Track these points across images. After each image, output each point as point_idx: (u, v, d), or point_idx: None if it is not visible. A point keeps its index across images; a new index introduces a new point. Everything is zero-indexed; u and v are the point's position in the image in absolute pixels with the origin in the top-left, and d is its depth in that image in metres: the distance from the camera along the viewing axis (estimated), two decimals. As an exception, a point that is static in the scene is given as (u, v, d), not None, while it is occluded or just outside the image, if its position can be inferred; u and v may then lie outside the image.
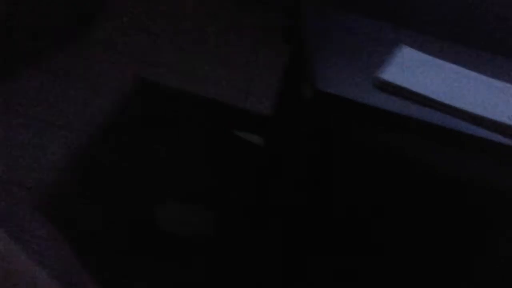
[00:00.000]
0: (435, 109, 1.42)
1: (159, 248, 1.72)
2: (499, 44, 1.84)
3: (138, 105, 2.54)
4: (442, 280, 1.51)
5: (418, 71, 1.53)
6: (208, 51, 3.23)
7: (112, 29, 3.12)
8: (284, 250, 1.53)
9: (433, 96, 1.43)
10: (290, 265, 1.51)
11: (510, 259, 1.48)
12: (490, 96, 1.53)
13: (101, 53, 2.89)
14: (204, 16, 3.58)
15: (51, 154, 2.00)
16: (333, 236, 1.48)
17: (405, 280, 1.52)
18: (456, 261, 1.49)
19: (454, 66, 1.63)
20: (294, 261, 1.51)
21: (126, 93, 2.60)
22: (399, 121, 1.36)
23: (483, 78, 1.62)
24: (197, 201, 1.98)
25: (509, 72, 1.78)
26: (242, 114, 2.78)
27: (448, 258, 1.48)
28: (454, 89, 1.49)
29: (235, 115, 2.74)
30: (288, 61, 1.96)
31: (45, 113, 2.24)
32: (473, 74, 1.62)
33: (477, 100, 1.48)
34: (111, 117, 2.36)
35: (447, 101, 1.42)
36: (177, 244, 1.76)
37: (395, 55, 1.59)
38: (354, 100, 1.35)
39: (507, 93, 1.58)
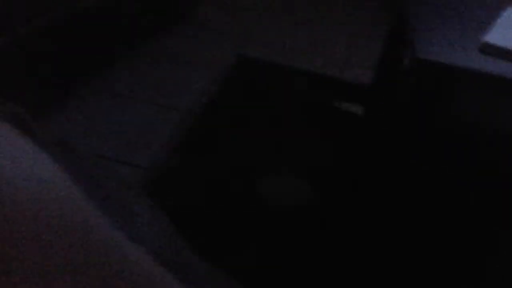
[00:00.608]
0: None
1: (262, 220, 1.77)
2: None
3: (240, 82, 2.59)
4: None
5: (526, 32, 1.47)
6: (305, 24, 3.23)
7: (211, 9, 3.18)
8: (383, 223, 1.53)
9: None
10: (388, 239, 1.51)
11: None
12: None
13: (202, 34, 2.96)
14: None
15: (160, 134, 2.08)
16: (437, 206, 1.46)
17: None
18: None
19: None
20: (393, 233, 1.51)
21: (228, 71, 2.65)
22: (506, 85, 1.32)
23: None
24: (299, 174, 2.01)
25: None
26: (341, 84, 2.77)
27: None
28: None
29: (335, 86, 2.74)
30: (389, 30, 1.93)
31: (152, 95, 2.33)
32: None
33: None
34: (215, 95, 2.43)
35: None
36: (279, 216, 1.80)
37: (500, 17, 1.53)
38: (458, 65, 1.32)
39: None
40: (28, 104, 1.90)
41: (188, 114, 2.23)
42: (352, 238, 1.73)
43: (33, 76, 1.86)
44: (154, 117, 2.17)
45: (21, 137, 0.38)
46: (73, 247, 0.33)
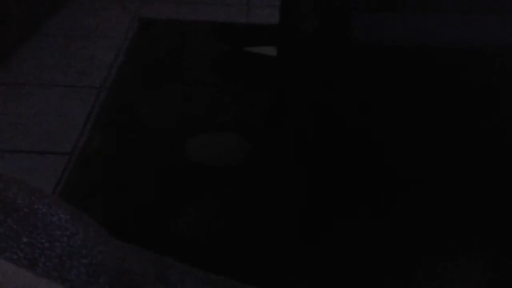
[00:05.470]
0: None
1: (191, 180, 1.74)
2: None
3: (147, 46, 2.53)
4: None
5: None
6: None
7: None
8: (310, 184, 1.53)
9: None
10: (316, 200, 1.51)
11: None
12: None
13: (97, 3, 2.87)
14: None
15: (77, 117, 2.02)
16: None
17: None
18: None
19: None
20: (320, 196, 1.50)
21: (133, 36, 2.59)
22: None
23: None
24: (228, 131, 2.00)
25: None
26: (248, 29, 2.75)
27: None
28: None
29: (242, 31, 2.72)
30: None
31: (60, 77, 2.25)
32: None
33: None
34: (125, 66, 2.36)
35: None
36: (208, 174, 1.77)
37: None
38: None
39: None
40: None
41: (102, 90, 2.18)
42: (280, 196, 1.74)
43: None
44: (68, 100, 2.11)
45: None
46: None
